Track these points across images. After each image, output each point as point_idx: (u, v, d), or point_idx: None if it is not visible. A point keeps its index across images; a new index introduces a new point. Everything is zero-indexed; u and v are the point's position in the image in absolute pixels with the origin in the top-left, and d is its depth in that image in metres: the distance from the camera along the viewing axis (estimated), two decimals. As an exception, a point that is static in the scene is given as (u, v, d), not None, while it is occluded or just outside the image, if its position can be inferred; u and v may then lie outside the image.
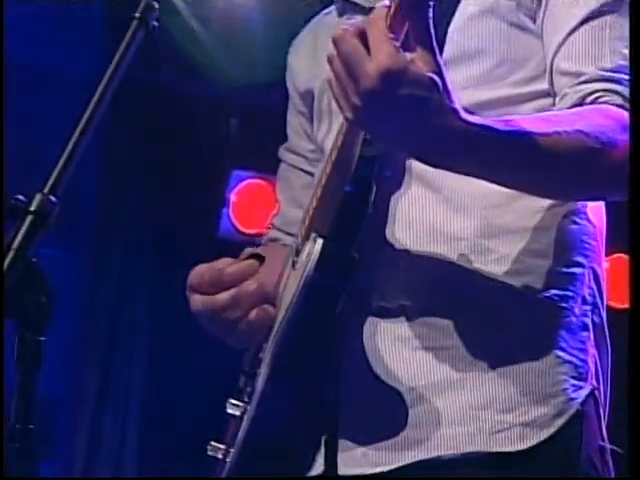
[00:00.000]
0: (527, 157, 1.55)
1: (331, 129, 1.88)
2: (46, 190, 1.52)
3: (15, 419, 1.47)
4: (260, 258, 1.92)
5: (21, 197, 1.50)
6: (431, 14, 1.42)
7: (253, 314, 1.83)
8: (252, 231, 5.94)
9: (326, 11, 2.07)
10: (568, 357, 1.74)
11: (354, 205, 1.67)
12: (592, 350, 1.78)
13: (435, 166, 1.59)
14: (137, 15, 1.65)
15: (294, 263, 1.77)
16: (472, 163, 1.57)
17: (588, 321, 1.79)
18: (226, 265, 1.87)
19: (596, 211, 1.84)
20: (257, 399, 1.73)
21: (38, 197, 1.50)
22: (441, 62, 1.45)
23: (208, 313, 1.85)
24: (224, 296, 1.83)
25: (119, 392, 6.02)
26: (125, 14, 1.71)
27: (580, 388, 1.74)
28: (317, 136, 2.01)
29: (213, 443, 1.84)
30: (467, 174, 1.61)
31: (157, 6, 1.67)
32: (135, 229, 6.23)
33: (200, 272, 1.86)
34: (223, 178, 6.06)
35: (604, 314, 1.83)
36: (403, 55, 1.42)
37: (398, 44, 1.43)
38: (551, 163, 1.57)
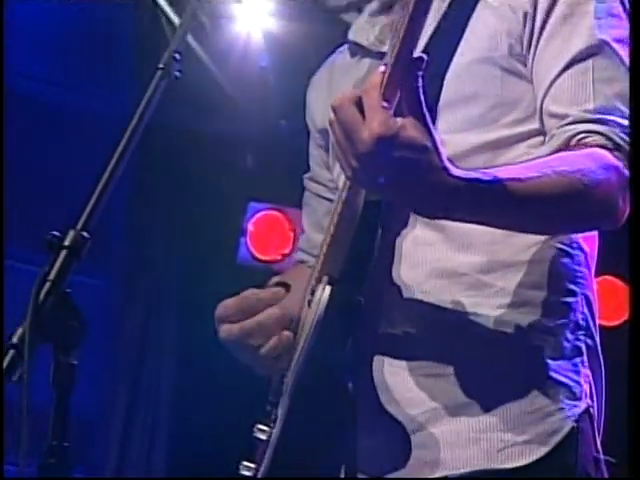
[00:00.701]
0: (513, 203, 1.57)
1: None
2: (79, 226, 1.55)
3: (52, 437, 1.49)
4: (286, 286, 1.91)
5: (56, 233, 1.54)
6: (420, 83, 1.46)
7: (273, 340, 1.81)
8: (267, 258, 6.04)
9: (340, 49, 2.08)
10: (563, 379, 1.74)
11: (361, 250, 1.70)
12: (585, 371, 1.79)
13: (431, 218, 1.64)
14: (161, 66, 1.68)
15: (309, 302, 1.77)
16: (464, 213, 1.60)
17: (581, 345, 1.79)
18: (252, 294, 1.86)
19: (588, 237, 1.83)
20: (279, 428, 1.73)
21: (72, 233, 1.54)
22: (431, 125, 1.48)
23: (235, 340, 1.84)
24: (249, 322, 1.82)
25: (147, 410, 6.03)
26: (153, 63, 1.72)
27: (575, 407, 1.74)
28: (333, 170, 2.02)
29: (245, 463, 1.82)
30: (462, 222, 1.63)
31: (179, 58, 1.70)
32: (162, 257, 6.26)
33: (228, 303, 1.86)
34: (241, 209, 6.10)
35: (597, 336, 1.83)
36: (395, 121, 1.45)
37: (391, 111, 1.47)
38: (536, 207, 1.60)
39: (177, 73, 1.69)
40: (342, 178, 1.84)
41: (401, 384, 1.76)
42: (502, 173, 1.57)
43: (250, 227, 6.05)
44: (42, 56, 5.84)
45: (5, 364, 1.45)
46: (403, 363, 1.75)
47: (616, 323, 5.45)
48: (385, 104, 1.46)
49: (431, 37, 1.76)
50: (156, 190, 6.10)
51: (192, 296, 6.12)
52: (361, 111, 1.46)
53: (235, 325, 1.82)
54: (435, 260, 1.76)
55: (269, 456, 1.73)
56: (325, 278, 1.70)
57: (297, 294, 1.88)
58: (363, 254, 1.69)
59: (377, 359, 1.76)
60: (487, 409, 1.72)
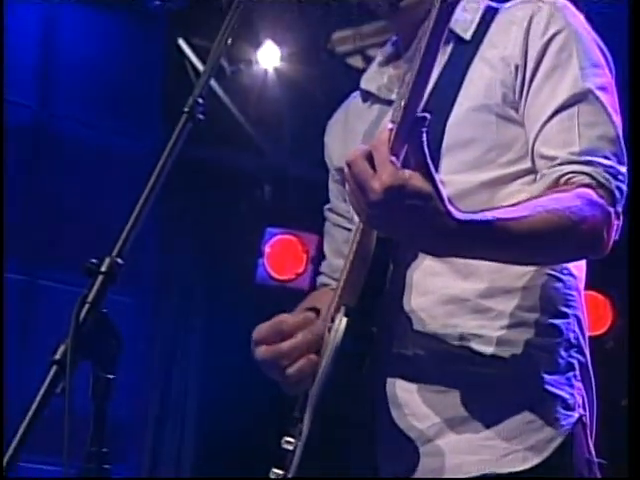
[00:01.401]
0: (509, 240, 1.60)
1: None
2: (114, 254, 1.56)
3: (91, 443, 1.49)
4: (316, 310, 1.91)
5: (94, 260, 1.55)
6: (425, 138, 1.49)
7: (300, 362, 1.80)
8: (283, 277, 6.05)
9: (354, 95, 2.08)
10: (558, 392, 1.75)
11: (375, 281, 1.70)
12: (578, 384, 1.79)
13: (436, 256, 1.69)
14: (186, 110, 1.68)
15: (329, 329, 1.77)
16: (465, 252, 1.63)
17: (574, 361, 1.79)
18: (285, 319, 1.85)
19: (577, 263, 1.84)
20: (304, 441, 1.74)
21: (107, 260, 1.55)
22: (435, 175, 1.51)
23: (268, 361, 1.82)
24: (284, 345, 1.81)
25: (176, 413, 6.05)
26: (179, 105, 1.72)
27: (569, 417, 1.74)
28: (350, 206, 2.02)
29: (275, 469, 1.81)
30: (464, 258, 1.68)
31: (202, 102, 1.69)
32: (187, 277, 6.29)
33: (263, 326, 1.85)
34: (258, 234, 6.10)
35: (587, 352, 1.84)
36: (403, 173, 1.48)
37: (399, 164, 1.49)
38: (530, 243, 1.63)
39: (200, 116, 1.68)
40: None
41: (412, 401, 1.76)
42: (499, 213, 1.60)
43: (267, 249, 6.06)
44: (80, 99, 5.87)
45: (49, 378, 1.45)
46: (413, 382, 1.76)
47: (598, 332, 5.50)
48: (393, 158, 1.49)
49: (433, 88, 1.77)
50: (183, 217, 6.11)
51: (215, 312, 6.14)
52: (372, 165, 1.49)
53: (270, 347, 1.81)
54: (442, 288, 1.77)
55: (295, 466, 1.74)
56: (343, 309, 1.70)
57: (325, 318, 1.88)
58: (377, 285, 1.69)
59: (390, 379, 1.76)
60: (492, 420, 1.73)
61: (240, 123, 5.86)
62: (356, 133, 1.98)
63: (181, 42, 5.75)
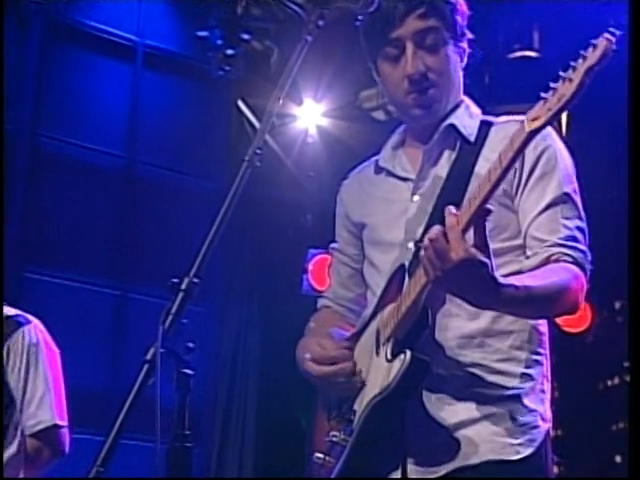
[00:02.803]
0: (531, 300, 1.73)
1: (386, 251, 1.97)
2: (191, 274, 1.58)
3: (176, 426, 1.52)
4: (349, 344, 1.97)
5: (176, 280, 1.57)
6: (487, 225, 1.61)
7: (340, 380, 1.90)
8: (322, 288, 5.93)
9: (366, 164, 2.12)
10: (537, 408, 1.88)
11: (420, 326, 1.80)
12: (548, 404, 1.92)
13: (480, 308, 1.78)
14: (247, 159, 1.68)
15: (378, 351, 1.86)
16: (501, 306, 1.75)
17: (544, 387, 1.92)
18: (331, 348, 1.92)
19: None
20: (351, 443, 1.83)
21: (186, 280, 1.57)
22: (491, 252, 1.63)
23: (317, 377, 1.92)
24: (327, 369, 1.90)
25: (240, 404, 5.99)
26: (239, 153, 1.71)
27: (543, 426, 1.88)
28: (369, 252, 2.07)
29: (317, 454, 1.91)
30: (499, 311, 1.81)
31: (260, 152, 1.70)
32: (248, 290, 6.24)
33: (313, 349, 1.93)
34: (303, 254, 6.07)
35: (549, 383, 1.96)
36: (472, 249, 1.60)
37: (470, 242, 1.61)
38: (544, 303, 1.77)
39: (258, 163, 1.70)
40: (381, 257, 1.97)
41: (436, 407, 1.84)
42: (530, 281, 1.73)
43: (310, 267, 6.03)
44: (160, 148, 5.92)
45: (142, 375, 1.47)
46: (438, 394, 1.85)
47: (580, 329, 5.52)
48: (464, 238, 1.61)
49: (447, 179, 1.90)
50: (243, 242, 6.11)
51: (270, 317, 6.14)
52: (447, 241, 1.60)
53: (319, 367, 1.90)
54: (456, 327, 1.86)
55: (344, 458, 1.84)
56: (392, 339, 1.81)
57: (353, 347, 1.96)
58: (422, 325, 1.79)
59: (423, 392, 1.84)
60: (494, 422, 1.83)
61: (287, 167, 5.89)
62: (372, 197, 2.04)
63: (240, 103, 5.79)
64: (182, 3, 5.95)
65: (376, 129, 6.42)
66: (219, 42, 5.66)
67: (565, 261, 1.81)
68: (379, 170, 2.05)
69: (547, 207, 1.86)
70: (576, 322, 5.44)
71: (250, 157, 1.69)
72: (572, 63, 1.52)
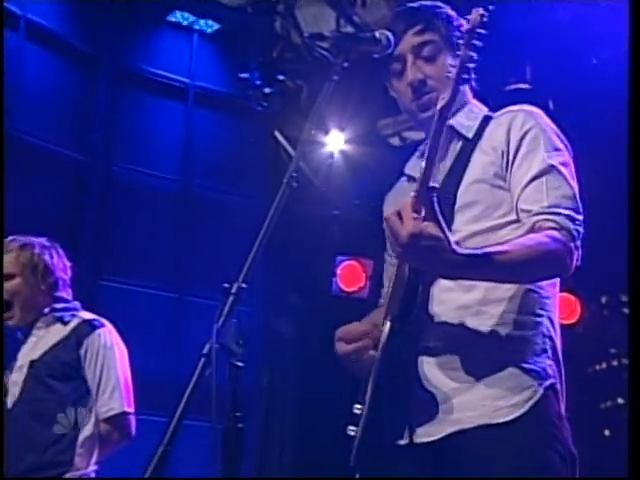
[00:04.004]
0: (499, 267, 1.61)
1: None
2: (240, 280, 1.56)
3: (229, 409, 1.50)
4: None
5: (227, 285, 1.54)
6: (435, 200, 1.52)
7: (364, 356, 1.79)
8: (349, 290, 6.02)
9: (403, 177, 2.04)
10: (533, 367, 1.72)
11: (409, 299, 1.70)
12: (549, 361, 1.75)
13: (448, 279, 1.69)
14: (285, 181, 1.66)
15: (381, 332, 1.77)
16: (467, 275, 1.65)
17: (546, 346, 1.75)
18: (357, 327, 1.84)
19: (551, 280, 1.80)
20: (367, 407, 1.73)
21: (235, 285, 1.54)
22: (443, 224, 1.53)
23: (344, 353, 1.82)
24: (353, 345, 1.80)
25: (280, 391, 5.95)
26: (278, 176, 1.69)
27: (542, 384, 1.71)
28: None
29: (350, 427, 1.78)
30: (467, 280, 1.69)
31: (295, 175, 1.67)
32: (285, 292, 6.23)
33: (343, 330, 1.84)
34: (332, 261, 6.09)
35: (557, 340, 1.80)
36: (421, 224, 1.51)
37: (420, 218, 1.52)
38: (514, 268, 1.61)
39: (294, 184, 1.67)
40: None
41: (434, 374, 1.73)
42: (491, 249, 1.61)
43: (338, 271, 6.04)
44: (210, 172, 5.96)
45: (199, 367, 1.46)
46: (435, 360, 1.74)
47: (571, 322, 5.46)
48: (415, 215, 1.52)
49: (449, 171, 1.81)
50: (282, 252, 6.10)
51: (304, 313, 6.12)
52: (400, 219, 1.53)
53: (346, 345, 1.80)
54: (453, 299, 1.75)
55: (362, 424, 1.73)
56: (388, 317, 1.71)
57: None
58: (411, 299, 1.69)
59: (420, 360, 1.74)
60: (487, 386, 1.69)
61: (317, 186, 5.88)
62: (398, 203, 1.93)
63: (276, 133, 5.80)
64: (226, 50, 6.01)
65: (392, 153, 6.40)
66: (258, 82, 5.70)
67: (548, 227, 1.67)
68: (409, 179, 2.00)
69: (532, 179, 1.73)
70: (567, 315, 5.38)
71: (288, 179, 1.67)
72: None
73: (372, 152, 5.92)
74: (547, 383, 1.71)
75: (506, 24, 4.25)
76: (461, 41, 1.65)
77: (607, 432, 5.64)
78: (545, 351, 1.74)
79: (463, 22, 1.83)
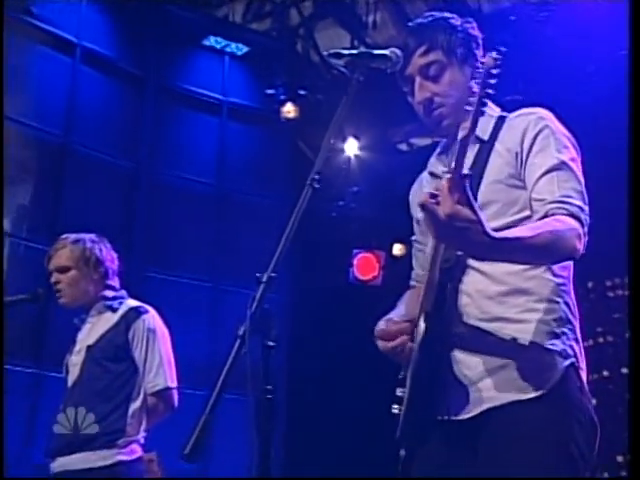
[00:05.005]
0: (524, 249, 1.55)
1: (430, 240, 1.81)
2: (270, 270, 1.52)
3: (261, 381, 1.47)
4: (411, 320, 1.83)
5: (259, 275, 1.51)
6: (467, 184, 1.44)
7: (405, 351, 1.75)
8: (364, 278, 5.99)
9: (424, 174, 1.99)
10: (555, 348, 1.66)
11: (442, 292, 1.67)
12: (569, 342, 1.69)
13: (479, 260, 1.64)
14: (309, 182, 1.61)
15: (415, 326, 1.72)
16: (497, 256, 1.58)
17: (565, 329, 1.70)
18: (392, 325, 1.78)
19: (566, 265, 1.74)
20: (408, 391, 1.70)
21: (265, 275, 1.51)
22: (477, 207, 1.45)
23: (387, 352, 1.77)
24: (387, 345, 1.75)
25: (301, 370, 5.82)
26: (301, 178, 1.65)
27: (563, 363, 1.66)
28: (423, 240, 1.95)
29: (395, 405, 1.75)
30: (496, 261, 1.63)
31: (318, 177, 1.62)
32: (307, 279, 6.14)
33: (381, 330, 1.78)
34: (350, 253, 6.08)
35: (576, 324, 1.74)
36: (456, 206, 1.43)
37: (455, 200, 1.43)
38: (534, 250, 1.56)
39: (317, 185, 1.62)
40: (427, 254, 1.80)
41: (466, 359, 1.70)
42: (516, 233, 1.57)
43: (355, 262, 6.02)
44: (242, 177, 5.97)
45: (236, 346, 1.43)
46: (467, 347, 1.70)
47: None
48: (451, 197, 1.44)
49: (470, 170, 1.71)
50: (306, 245, 6.07)
51: (325, 300, 6.07)
52: (437, 202, 1.45)
53: (386, 343, 1.75)
54: (480, 291, 1.70)
55: (405, 403, 1.70)
56: (423, 315, 1.67)
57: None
58: (442, 297, 1.67)
59: (453, 347, 1.71)
60: (515, 368, 1.65)
61: (336, 188, 5.87)
62: (422, 195, 1.87)
63: (299, 142, 5.80)
64: (255, 69, 6.02)
65: (400, 158, 6.39)
66: (282, 97, 5.70)
67: (561, 214, 1.62)
68: (431, 174, 1.94)
69: (545, 173, 1.68)
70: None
71: (310, 181, 1.63)
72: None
73: (383, 157, 5.91)
74: (568, 362, 1.67)
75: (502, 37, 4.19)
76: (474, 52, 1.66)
77: (594, 401, 5.58)
78: (564, 333, 1.69)
79: (468, 26, 1.81)
